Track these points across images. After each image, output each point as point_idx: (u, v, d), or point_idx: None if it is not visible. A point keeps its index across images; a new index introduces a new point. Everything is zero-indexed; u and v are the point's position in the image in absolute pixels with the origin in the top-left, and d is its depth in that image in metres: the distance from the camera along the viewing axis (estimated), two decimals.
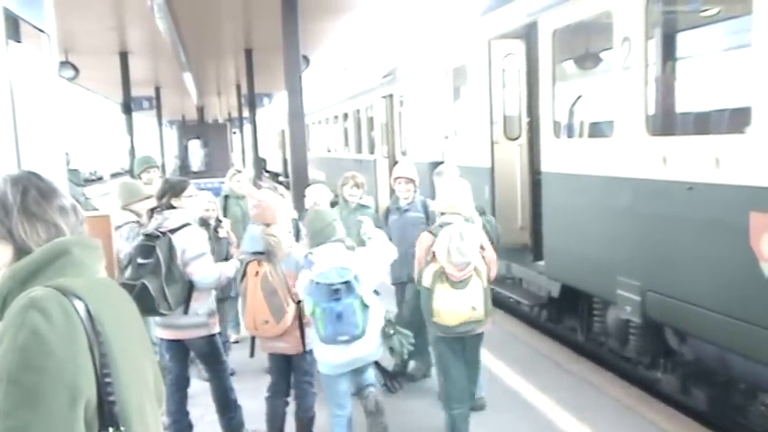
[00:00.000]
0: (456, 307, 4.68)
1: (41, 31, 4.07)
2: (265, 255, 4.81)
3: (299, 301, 4.80)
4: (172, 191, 5.14)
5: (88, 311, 1.49)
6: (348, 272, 4.53)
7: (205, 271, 4.98)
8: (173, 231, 4.94)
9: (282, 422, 5.13)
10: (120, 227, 5.84)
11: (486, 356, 7.13)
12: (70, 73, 17.05)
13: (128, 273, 4.97)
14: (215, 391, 5.30)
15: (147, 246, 4.89)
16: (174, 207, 5.10)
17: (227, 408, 5.29)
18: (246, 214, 7.77)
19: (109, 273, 1.81)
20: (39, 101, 4.03)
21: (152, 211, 5.18)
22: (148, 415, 1.62)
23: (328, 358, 4.68)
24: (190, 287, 4.99)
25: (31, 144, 3.61)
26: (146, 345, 1.76)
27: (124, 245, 5.62)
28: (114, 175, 55.99)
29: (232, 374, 6.26)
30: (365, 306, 4.55)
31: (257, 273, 4.77)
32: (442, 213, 5.08)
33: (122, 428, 1.49)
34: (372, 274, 4.73)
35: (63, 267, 1.56)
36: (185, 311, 5.00)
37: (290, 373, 5.10)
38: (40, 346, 1.40)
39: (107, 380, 1.47)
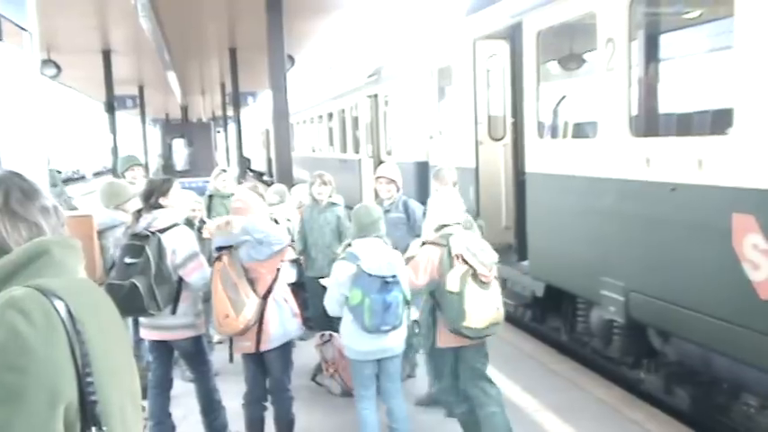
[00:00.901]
0: (486, 307, 4.66)
1: (23, 29, 4.03)
2: (226, 249, 4.79)
3: (265, 296, 4.77)
4: (159, 190, 5.09)
5: (69, 312, 1.47)
6: (395, 266, 4.74)
7: (199, 273, 4.94)
8: (162, 231, 4.89)
9: (261, 427, 5.07)
10: (115, 226, 5.67)
11: None
12: (52, 71, 16.94)
13: (113, 273, 4.93)
14: (199, 391, 5.25)
15: (136, 245, 4.83)
16: (161, 206, 5.05)
17: (211, 408, 5.26)
18: (230, 213, 7.76)
19: (90, 273, 1.80)
20: (20, 100, 3.99)
21: (139, 211, 5.11)
22: (129, 415, 1.61)
23: (359, 346, 4.83)
24: (178, 288, 4.95)
25: (11, 143, 3.57)
26: (126, 345, 1.75)
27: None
28: (97, 174, 55.67)
29: (216, 375, 6.22)
30: (405, 300, 4.76)
31: (219, 269, 4.73)
32: (443, 226, 4.91)
33: (104, 428, 1.47)
34: (405, 273, 4.84)
35: (42, 267, 1.54)
36: (173, 312, 4.95)
37: (265, 377, 5.05)
38: (19, 346, 1.38)
39: (89, 379, 1.46)
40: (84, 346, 1.47)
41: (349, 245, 4.99)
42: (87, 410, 1.45)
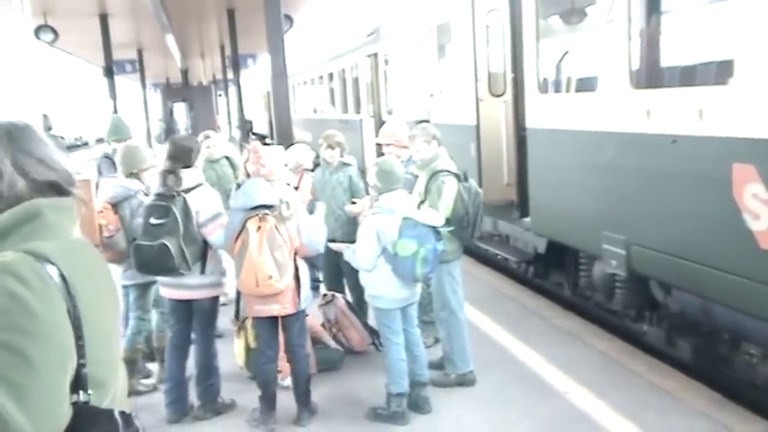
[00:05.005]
0: None
1: None
2: (274, 209, 4.75)
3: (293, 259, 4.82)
4: (194, 149, 5.12)
5: (61, 275, 1.45)
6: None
7: (221, 232, 4.95)
8: (186, 191, 4.91)
9: (275, 387, 5.11)
10: (130, 196, 5.43)
11: (475, 314, 7.19)
12: (49, 36, 16.75)
13: (140, 234, 4.94)
14: (199, 355, 5.25)
15: (161, 206, 4.84)
16: (186, 167, 5.03)
17: (209, 374, 5.25)
18: (222, 177, 7.67)
19: (90, 237, 1.78)
20: (13, 63, 3.96)
21: (166, 173, 5.02)
22: (120, 375, 1.61)
23: (397, 294, 4.98)
24: (205, 247, 4.99)
25: (4, 107, 3.55)
26: (117, 305, 1.75)
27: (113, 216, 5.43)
28: (99, 141, 55.47)
29: (220, 336, 6.25)
30: None
31: (260, 228, 4.68)
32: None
33: (90, 392, 1.47)
34: None
35: (35, 230, 1.51)
36: (202, 271, 4.99)
37: (278, 337, 5.09)
38: (21, 309, 1.36)
39: (80, 343, 1.45)
40: (77, 310, 1.45)
41: (376, 199, 5.07)
42: (78, 374, 1.44)
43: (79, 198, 1.64)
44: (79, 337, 1.45)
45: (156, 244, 4.72)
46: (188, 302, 5.15)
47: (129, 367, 5.57)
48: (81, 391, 1.45)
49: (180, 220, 4.78)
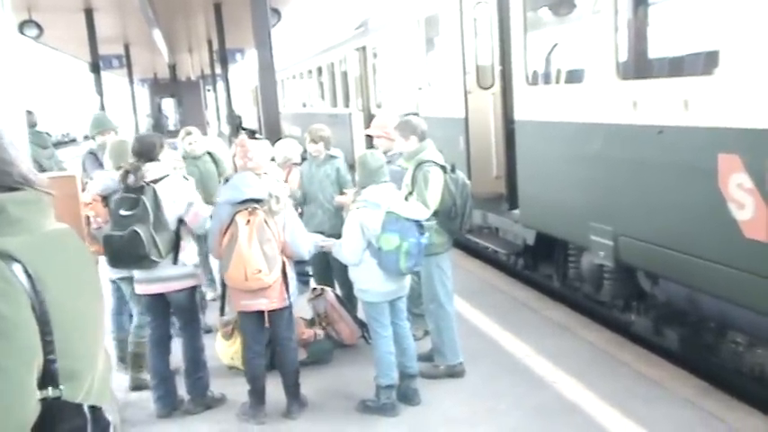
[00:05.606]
0: None
1: None
2: (263, 203, 4.78)
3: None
4: (159, 144, 5.12)
5: (27, 272, 1.43)
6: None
7: (202, 218, 5.00)
8: (155, 182, 4.91)
9: (264, 381, 5.12)
10: (118, 190, 5.27)
11: (464, 306, 7.21)
12: (34, 32, 16.63)
13: (108, 227, 4.94)
14: (186, 349, 5.25)
15: (131, 198, 4.83)
16: (150, 160, 5.03)
17: (198, 367, 5.25)
18: (204, 174, 7.58)
19: (75, 230, 1.74)
20: None
21: (127, 171, 5.01)
22: (99, 367, 1.59)
23: (383, 288, 4.99)
24: (177, 237, 4.98)
25: None
26: (99, 296, 1.72)
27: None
28: (87, 138, 55.16)
29: (209, 332, 6.25)
30: None
31: (249, 221, 4.70)
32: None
33: (62, 387, 1.46)
34: None
35: None
36: (174, 261, 4.99)
37: (265, 331, 5.11)
38: None
39: (48, 339, 1.43)
40: (44, 305, 1.43)
41: (358, 193, 5.07)
42: (47, 369, 1.43)
43: (46, 192, 1.61)
44: (47, 333, 1.43)
45: (127, 232, 4.71)
46: (163, 297, 5.13)
47: (135, 361, 5.60)
48: (51, 387, 1.44)
49: (150, 208, 4.78)
